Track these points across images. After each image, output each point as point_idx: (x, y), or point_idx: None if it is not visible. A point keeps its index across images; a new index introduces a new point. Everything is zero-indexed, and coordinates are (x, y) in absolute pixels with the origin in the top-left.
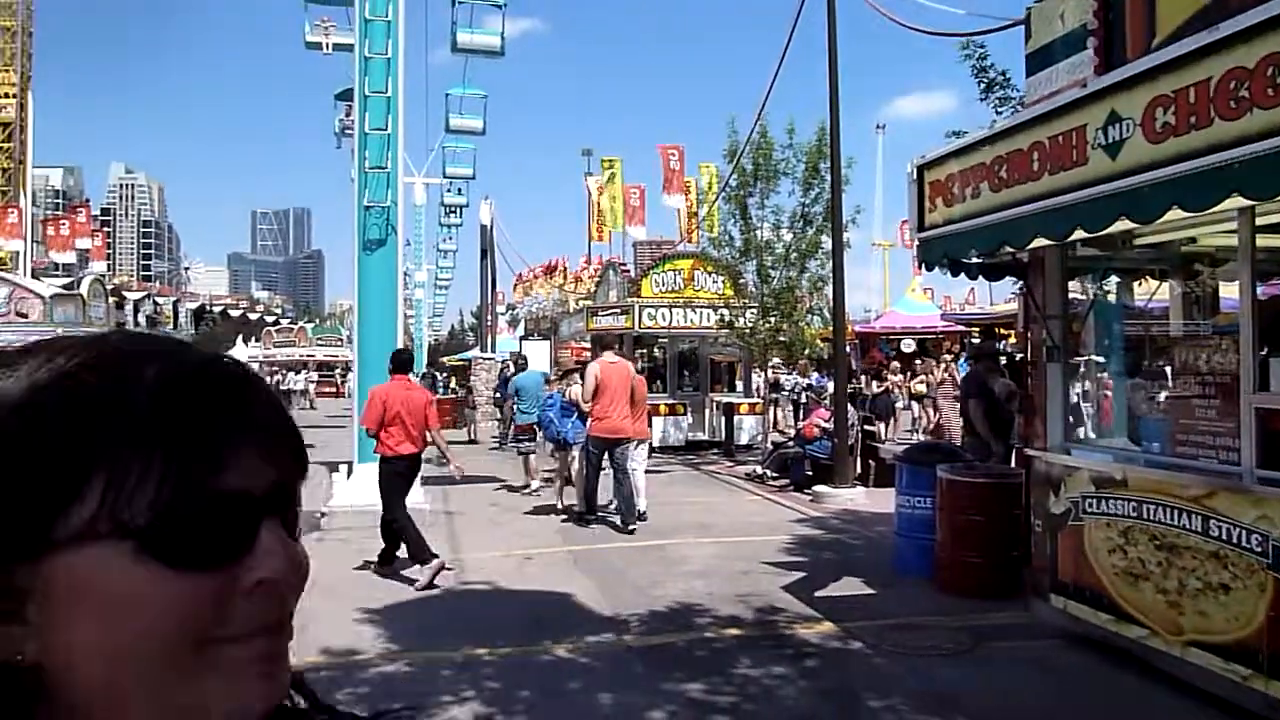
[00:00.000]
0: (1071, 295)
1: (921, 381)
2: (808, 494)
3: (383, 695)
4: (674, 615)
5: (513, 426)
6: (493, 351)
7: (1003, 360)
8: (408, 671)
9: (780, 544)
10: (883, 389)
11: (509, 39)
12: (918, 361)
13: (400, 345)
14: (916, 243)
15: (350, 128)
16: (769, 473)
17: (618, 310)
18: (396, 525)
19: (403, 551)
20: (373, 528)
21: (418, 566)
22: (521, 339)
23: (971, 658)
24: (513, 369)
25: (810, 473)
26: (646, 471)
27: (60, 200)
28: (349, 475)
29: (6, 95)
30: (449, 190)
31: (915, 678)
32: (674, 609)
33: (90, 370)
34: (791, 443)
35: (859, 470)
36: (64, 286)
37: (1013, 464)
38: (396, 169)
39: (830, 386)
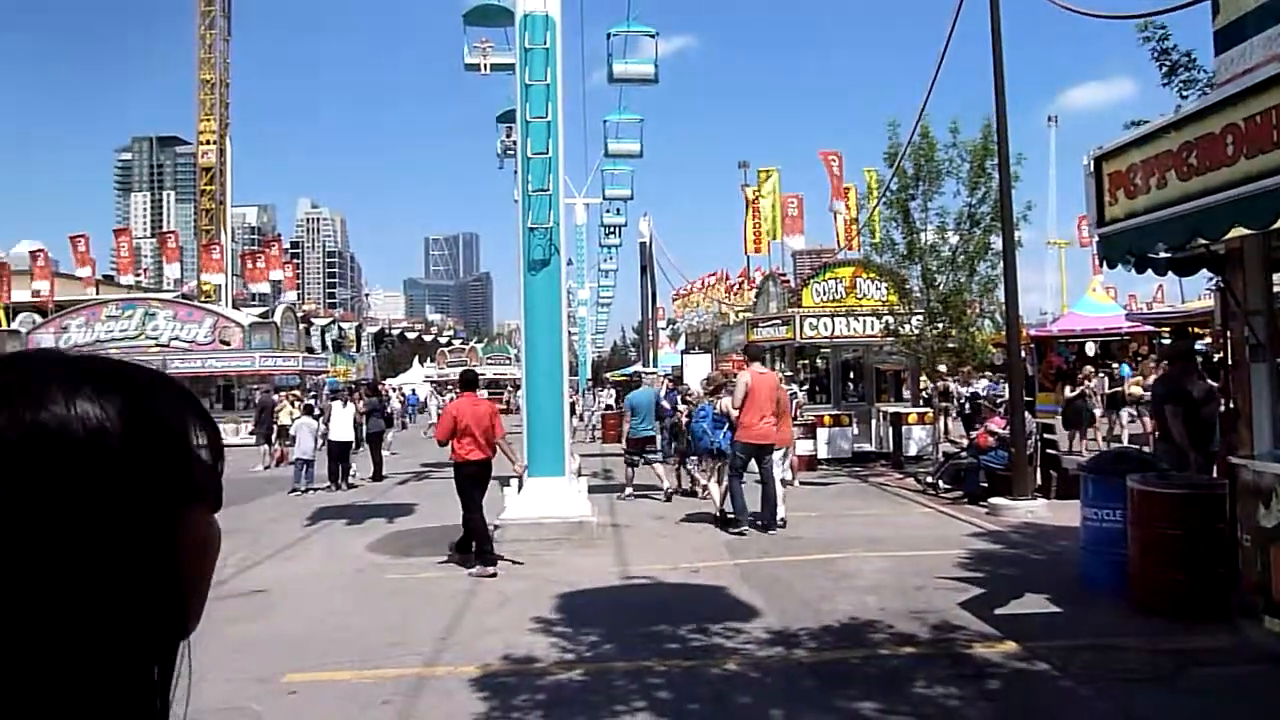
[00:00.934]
0: (1276, 288)
1: (1136, 384)
2: (983, 506)
3: (558, 703)
4: (845, 631)
5: (626, 440)
6: (654, 366)
7: (1199, 361)
8: (581, 680)
9: (955, 558)
10: (1076, 393)
11: (663, 58)
12: (1114, 365)
13: (564, 362)
14: (1096, 239)
15: (512, 149)
16: (941, 484)
17: (778, 321)
18: (471, 522)
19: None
20: (547, 540)
21: (478, 566)
22: (683, 353)
23: (1172, 684)
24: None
25: (985, 484)
26: (812, 484)
27: (255, 235)
28: (519, 489)
29: (208, 142)
30: (608, 211)
31: (1108, 703)
32: (845, 625)
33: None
34: (964, 453)
35: (1039, 481)
36: (260, 315)
37: (1214, 473)
38: (558, 191)
39: (1004, 393)
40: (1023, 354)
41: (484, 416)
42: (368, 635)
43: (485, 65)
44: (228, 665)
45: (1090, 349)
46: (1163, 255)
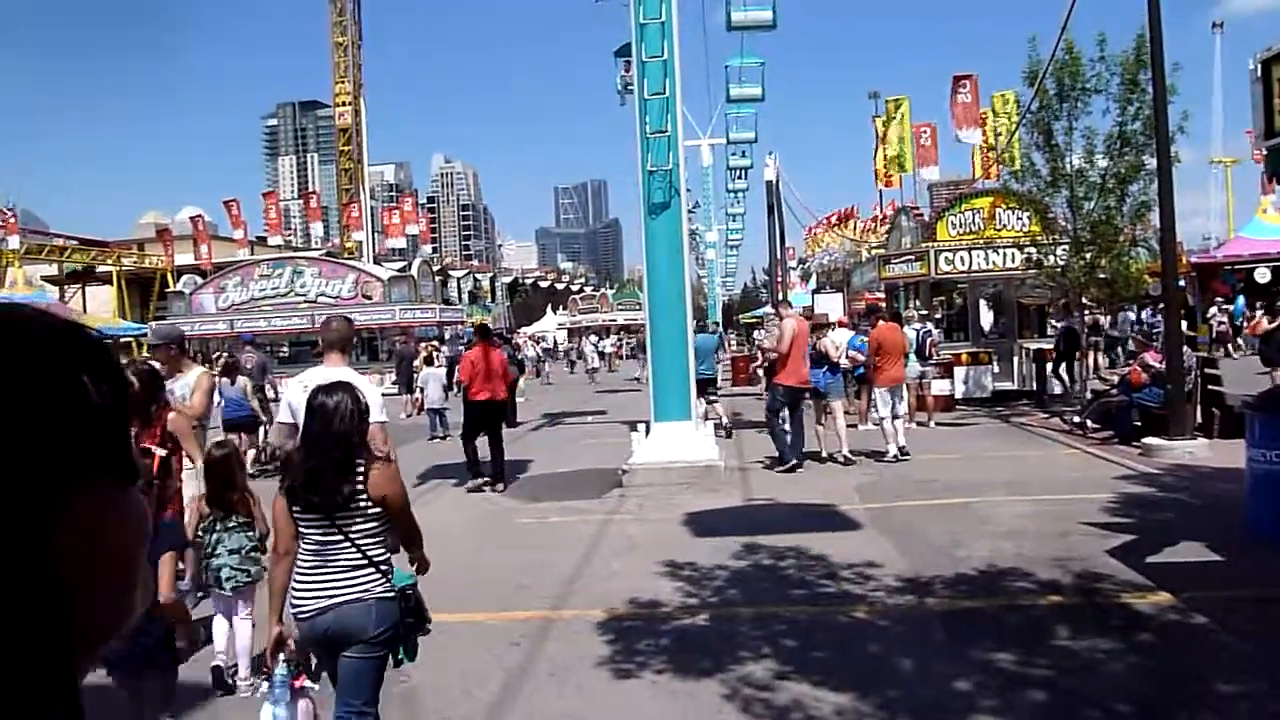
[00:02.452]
0: None
1: None
2: (1136, 447)
3: (682, 648)
4: (980, 579)
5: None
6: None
7: None
8: (705, 626)
9: (1104, 503)
10: (1277, 324)
11: None
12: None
13: (688, 305)
14: (1265, 152)
15: (631, 84)
16: (1089, 424)
17: (912, 257)
18: (465, 445)
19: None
20: (675, 484)
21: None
22: (814, 292)
23: None
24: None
25: (1139, 423)
26: (948, 425)
27: (393, 193)
28: (647, 433)
29: (344, 104)
30: (733, 154)
31: (1273, 660)
32: (981, 572)
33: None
34: (1115, 390)
35: (1199, 420)
36: (399, 270)
37: None
38: (677, 132)
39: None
40: (1183, 283)
41: (496, 364)
42: (499, 578)
43: None
44: None
45: (1262, 276)
46: None
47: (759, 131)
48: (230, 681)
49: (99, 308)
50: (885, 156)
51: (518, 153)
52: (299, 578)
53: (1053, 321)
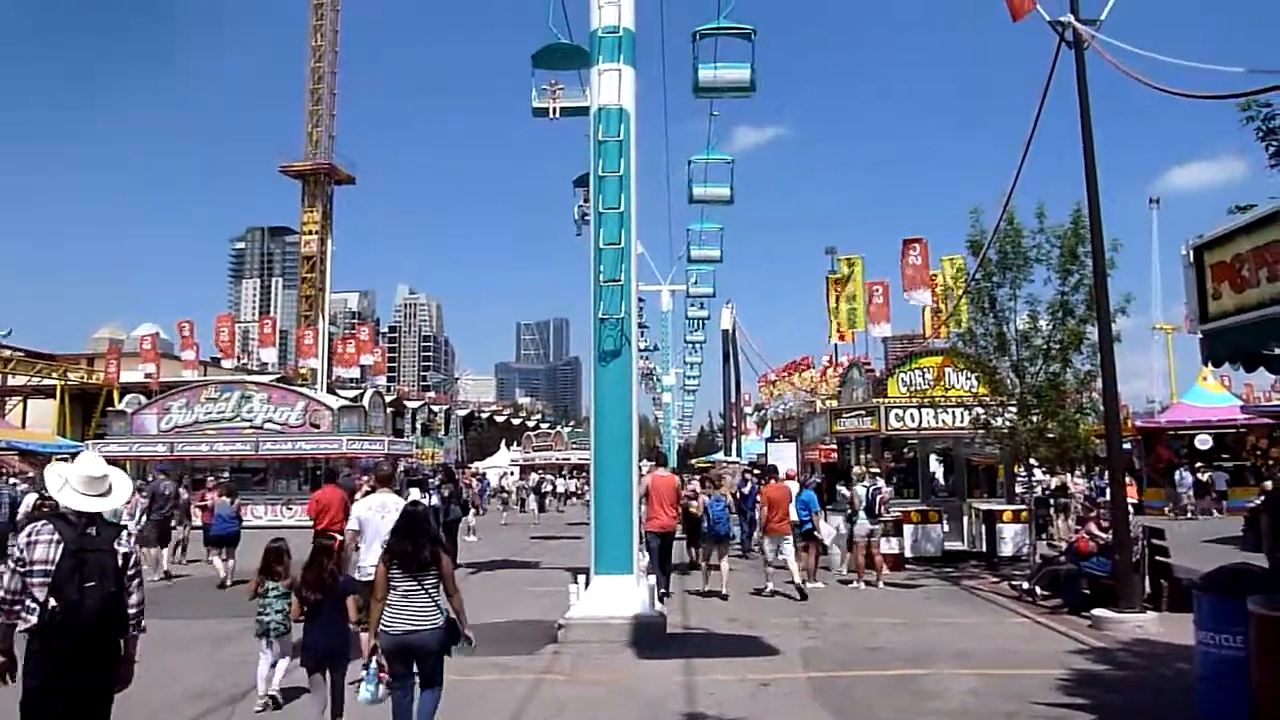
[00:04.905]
0: None
1: None
2: (1085, 618)
3: None
4: None
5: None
6: (738, 455)
7: None
8: None
9: (1055, 680)
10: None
11: (749, 148)
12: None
13: (634, 454)
14: (1200, 335)
15: (588, 213)
16: (1038, 590)
17: (863, 412)
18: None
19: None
20: (613, 641)
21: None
22: (768, 440)
23: None
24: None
25: (1088, 592)
26: (897, 586)
27: (354, 320)
28: (586, 585)
29: (311, 231)
30: (691, 305)
31: None
32: None
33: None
34: (1063, 557)
35: (1148, 590)
36: (350, 399)
37: None
38: (631, 282)
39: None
40: (1128, 446)
41: (337, 502)
42: None
43: (554, 109)
44: None
45: (1204, 442)
46: (1278, 352)
47: (717, 287)
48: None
49: (39, 421)
50: (839, 312)
51: (482, 287)
52: (390, 611)
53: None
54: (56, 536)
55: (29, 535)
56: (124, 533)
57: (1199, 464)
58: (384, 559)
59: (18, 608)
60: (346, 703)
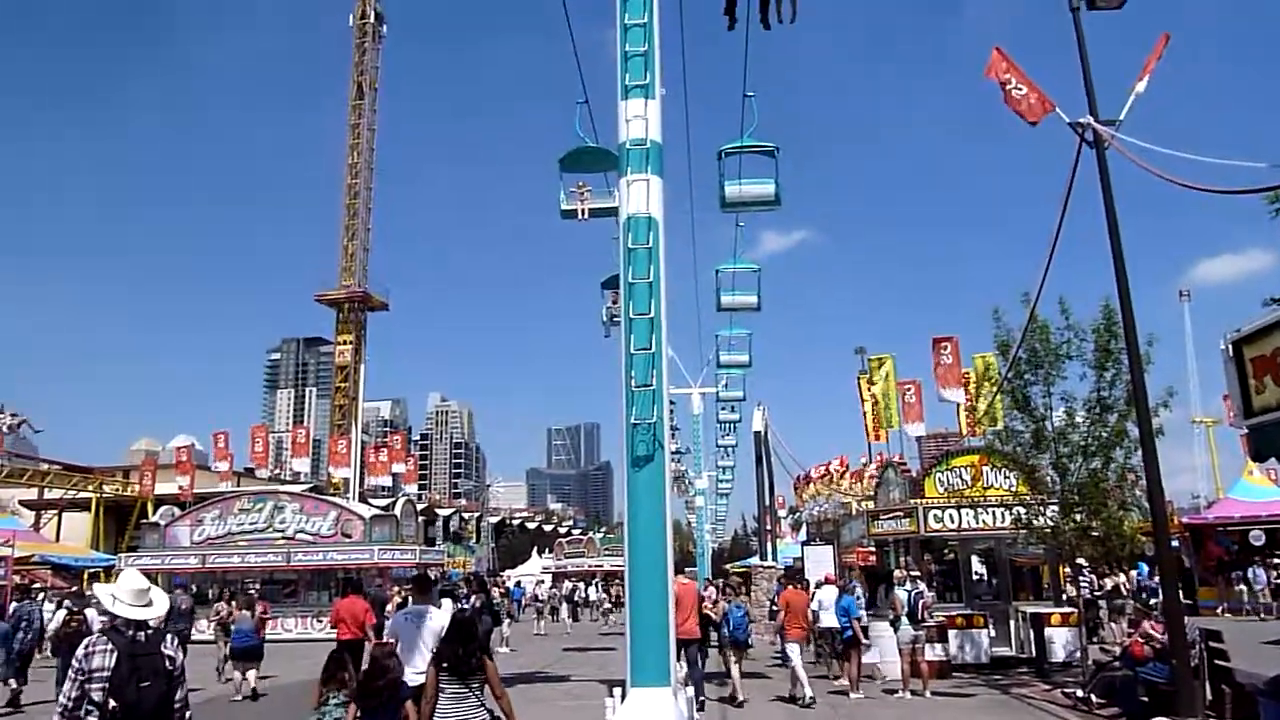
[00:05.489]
0: None
1: None
2: None
3: None
4: None
5: None
6: (773, 559)
7: None
8: None
9: None
10: None
11: (779, 250)
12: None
13: (669, 561)
14: (1245, 430)
15: (617, 315)
16: (1093, 697)
17: (900, 513)
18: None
19: None
20: None
21: None
22: (804, 544)
23: None
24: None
25: (1145, 699)
26: (945, 695)
27: (387, 429)
28: (622, 699)
29: (345, 342)
30: (722, 408)
31: None
32: None
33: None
34: (1117, 662)
35: (1209, 697)
36: (382, 508)
37: None
38: (662, 386)
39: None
40: (1176, 543)
41: (360, 610)
42: None
43: (583, 211)
44: None
45: (1257, 538)
46: None
47: (747, 390)
48: None
49: (74, 533)
50: (872, 412)
51: (513, 394)
52: (441, 713)
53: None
54: (110, 646)
55: (86, 649)
56: (168, 637)
57: (1269, 558)
58: (434, 663)
59: (79, 713)
60: None
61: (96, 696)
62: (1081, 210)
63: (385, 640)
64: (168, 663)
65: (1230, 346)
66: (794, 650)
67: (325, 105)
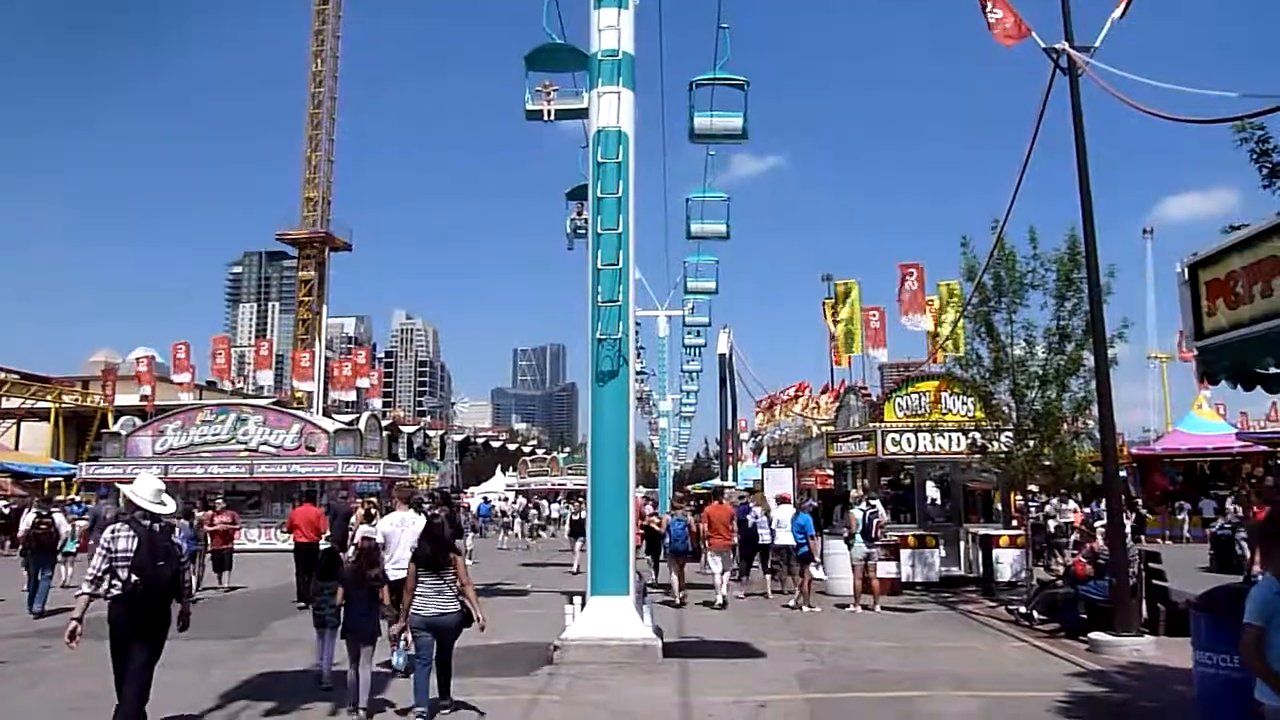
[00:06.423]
0: None
1: None
2: (1083, 641)
3: None
4: None
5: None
6: (734, 480)
7: None
8: None
9: (1051, 702)
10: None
11: (750, 176)
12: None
13: (632, 475)
14: (1195, 353)
15: (583, 226)
16: (1035, 614)
17: (859, 436)
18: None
19: None
20: (609, 663)
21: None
22: (764, 466)
23: None
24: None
25: (1085, 616)
26: (895, 610)
27: (350, 345)
28: (583, 607)
29: (308, 256)
30: (688, 333)
31: None
32: None
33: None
34: (1060, 581)
35: (1145, 615)
36: (346, 423)
37: None
38: (628, 303)
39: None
40: (1123, 474)
41: (313, 518)
42: None
43: (549, 112)
44: None
45: (1199, 470)
46: (1273, 370)
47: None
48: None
49: (34, 443)
50: (836, 337)
51: (479, 314)
52: (419, 600)
53: None
54: (132, 533)
55: (113, 533)
56: (175, 529)
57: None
58: (413, 560)
59: (102, 585)
60: (380, 677)
61: (121, 573)
62: (1053, 145)
63: (369, 539)
64: (177, 549)
65: (1185, 270)
66: (714, 559)
67: (291, 7)
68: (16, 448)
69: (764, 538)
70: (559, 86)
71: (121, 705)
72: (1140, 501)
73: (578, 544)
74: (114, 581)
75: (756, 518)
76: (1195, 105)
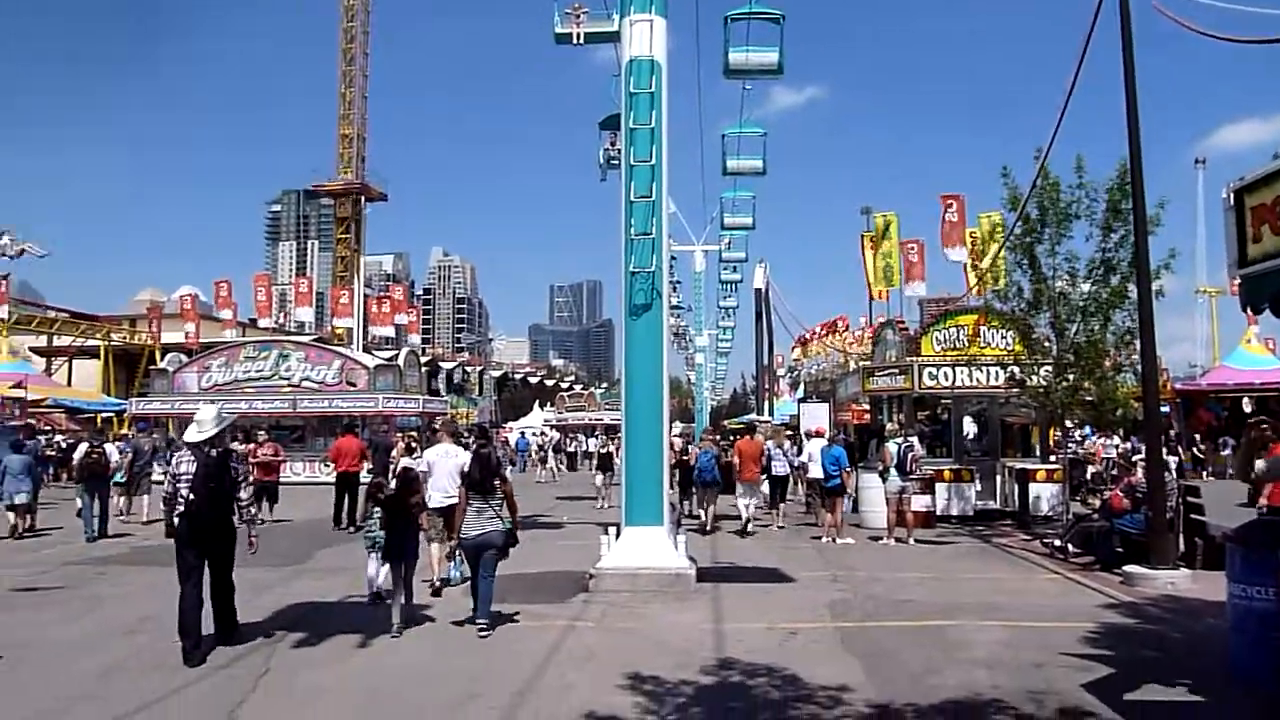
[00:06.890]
0: None
1: None
2: (1117, 574)
3: None
4: (953, 710)
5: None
6: (771, 415)
7: None
8: None
9: (1084, 633)
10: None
11: (783, 110)
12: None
13: (665, 408)
14: (1238, 280)
15: (616, 157)
16: (1070, 547)
17: (895, 370)
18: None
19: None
20: (643, 592)
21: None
22: (800, 401)
23: None
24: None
25: (1120, 550)
26: (928, 543)
27: (389, 282)
28: (618, 537)
29: (347, 194)
30: (725, 269)
31: None
32: (954, 703)
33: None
34: (1096, 514)
35: (1181, 549)
36: (386, 359)
37: None
38: (661, 236)
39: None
40: (1167, 409)
41: (354, 450)
42: (451, 685)
43: (578, 35)
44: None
45: (1246, 405)
46: None
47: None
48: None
49: (85, 380)
50: (874, 271)
51: (517, 250)
52: (468, 521)
53: None
54: (191, 458)
55: (176, 460)
56: (233, 454)
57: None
58: (464, 484)
59: (175, 503)
60: (430, 590)
61: (183, 490)
62: (1105, 84)
63: (409, 469)
64: (232, 472)
65: (1232, 195)
66: (741, 490)
67: None
68: (69, 384)
69: (776, 469)
70: (588, 9)
71: (215, 607)
72: (1183, 440)
73: (600, 479)
74: (178, 499)
75: (769, 450)
76: (1259, 24)
